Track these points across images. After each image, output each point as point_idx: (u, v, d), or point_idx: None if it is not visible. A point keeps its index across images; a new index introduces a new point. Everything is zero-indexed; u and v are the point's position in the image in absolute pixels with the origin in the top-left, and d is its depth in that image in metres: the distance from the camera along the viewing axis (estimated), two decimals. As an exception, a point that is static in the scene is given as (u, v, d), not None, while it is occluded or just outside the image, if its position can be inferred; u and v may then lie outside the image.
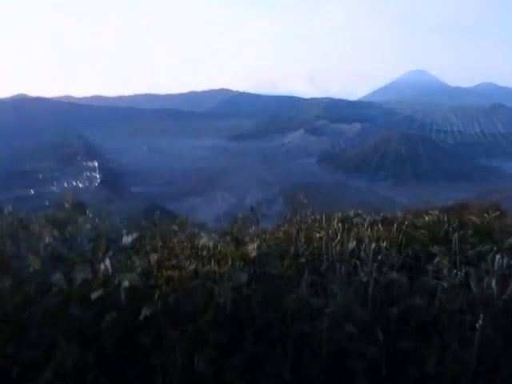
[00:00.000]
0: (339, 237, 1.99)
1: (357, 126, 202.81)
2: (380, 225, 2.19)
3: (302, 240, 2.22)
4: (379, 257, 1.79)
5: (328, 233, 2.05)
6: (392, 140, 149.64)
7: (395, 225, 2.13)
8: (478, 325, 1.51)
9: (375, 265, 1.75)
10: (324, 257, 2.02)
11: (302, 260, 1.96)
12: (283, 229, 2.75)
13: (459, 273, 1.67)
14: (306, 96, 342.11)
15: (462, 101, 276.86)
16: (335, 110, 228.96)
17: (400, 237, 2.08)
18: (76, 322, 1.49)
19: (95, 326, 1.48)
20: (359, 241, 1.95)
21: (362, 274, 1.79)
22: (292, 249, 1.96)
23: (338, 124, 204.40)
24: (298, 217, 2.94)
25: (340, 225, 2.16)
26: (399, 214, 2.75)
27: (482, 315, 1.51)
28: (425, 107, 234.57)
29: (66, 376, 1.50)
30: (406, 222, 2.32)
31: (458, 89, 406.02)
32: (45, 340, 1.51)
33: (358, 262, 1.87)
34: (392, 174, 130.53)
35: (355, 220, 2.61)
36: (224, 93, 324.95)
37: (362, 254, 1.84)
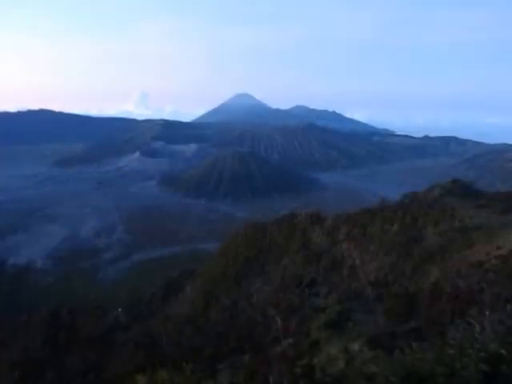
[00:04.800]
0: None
1: (193, 146, 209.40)
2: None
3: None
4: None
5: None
6: (227, 159, 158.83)
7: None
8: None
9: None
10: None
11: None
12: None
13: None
14: (139, 117, 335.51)
15: (282, 121, 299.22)
16: (171, 131, 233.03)
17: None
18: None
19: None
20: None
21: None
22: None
23: (175, 145, 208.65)
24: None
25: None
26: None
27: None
28: (252, 127, 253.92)
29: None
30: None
31: (277, 110, 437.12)
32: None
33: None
34: (230, 191, 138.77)
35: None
36: (44, 114, 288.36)
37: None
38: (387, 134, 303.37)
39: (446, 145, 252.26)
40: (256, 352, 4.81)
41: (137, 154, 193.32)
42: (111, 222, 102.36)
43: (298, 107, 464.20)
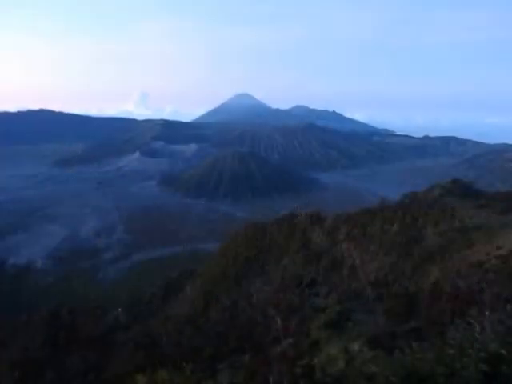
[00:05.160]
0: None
1: (193, 146, 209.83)
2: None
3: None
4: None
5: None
6: (227, 159, 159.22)
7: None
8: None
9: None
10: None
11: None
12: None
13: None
14: (139, 117, 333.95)
15: (282, 121, 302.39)
16: (171, 131, 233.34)
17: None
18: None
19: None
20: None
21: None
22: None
23: (175, 145, 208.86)
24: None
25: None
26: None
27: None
28: (252, 127, 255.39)
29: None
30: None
31: (277, 111, 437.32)
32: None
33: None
34: (230, 191, 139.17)
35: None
36: (44, 114, 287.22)
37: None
38: (387, 134, 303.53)
39: (446, 145, 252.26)
40: (256, 352, 4.80)
41: (137, 154, 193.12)
42: (111, 222, 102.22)
43: (298, 107, 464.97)
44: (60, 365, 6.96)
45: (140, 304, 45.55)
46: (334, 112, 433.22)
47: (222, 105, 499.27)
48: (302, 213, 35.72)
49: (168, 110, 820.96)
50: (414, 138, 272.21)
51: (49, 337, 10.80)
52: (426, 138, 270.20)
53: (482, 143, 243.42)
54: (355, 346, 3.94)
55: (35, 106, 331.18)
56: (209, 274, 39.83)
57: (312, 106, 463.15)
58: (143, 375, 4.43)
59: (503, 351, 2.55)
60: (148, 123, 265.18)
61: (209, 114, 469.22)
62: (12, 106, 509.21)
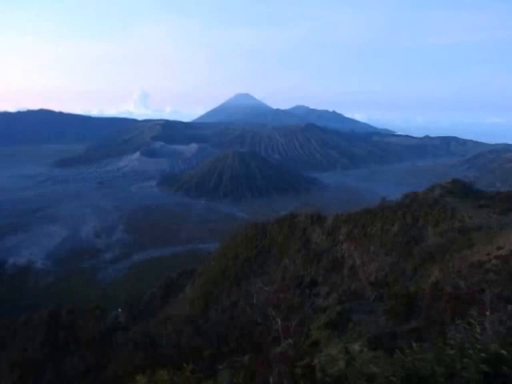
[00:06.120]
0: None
1: (194, 146, 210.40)
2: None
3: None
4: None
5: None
6: (227, 159, 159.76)
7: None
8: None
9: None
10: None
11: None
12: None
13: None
14: (139, 117, 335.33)
15: (282, 121, 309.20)
16: (171, 131, 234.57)
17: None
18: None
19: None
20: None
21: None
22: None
23: (175, 145, 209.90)
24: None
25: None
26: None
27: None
28: (252, 127, 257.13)
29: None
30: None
31: (278, 111, 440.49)
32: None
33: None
34: (230, 191, 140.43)
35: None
36: (44, 114, 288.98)
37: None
38: (387, 134, 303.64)
39: (447, 145, 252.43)
40: (256, 352, 4.79)
41: (137, 154, 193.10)
42: (111, 222, 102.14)
43: (298, 107, 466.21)
44: (59, 365, 6.95)
45: (140, 304, 45.56)
46: (334, 112, 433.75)
47: (222, 105, 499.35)
48: (302, 213, 35.71)
49: (168, 110, 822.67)
50: (414, 137, 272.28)
51: (48, 337, 10.78)
52: (427, 137, 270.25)
53: (482, 143, 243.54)
54: (355, 347, 3.93)
55: (35, 105, 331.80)
56: (209, 273, 39.85)
57: (312, 106, 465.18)
58: (143, 375, 4.41)
59: (504, 352, 2.54)
60: (148, 123, 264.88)
61: (209, 114, 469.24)
62: (12, 106, 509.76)
